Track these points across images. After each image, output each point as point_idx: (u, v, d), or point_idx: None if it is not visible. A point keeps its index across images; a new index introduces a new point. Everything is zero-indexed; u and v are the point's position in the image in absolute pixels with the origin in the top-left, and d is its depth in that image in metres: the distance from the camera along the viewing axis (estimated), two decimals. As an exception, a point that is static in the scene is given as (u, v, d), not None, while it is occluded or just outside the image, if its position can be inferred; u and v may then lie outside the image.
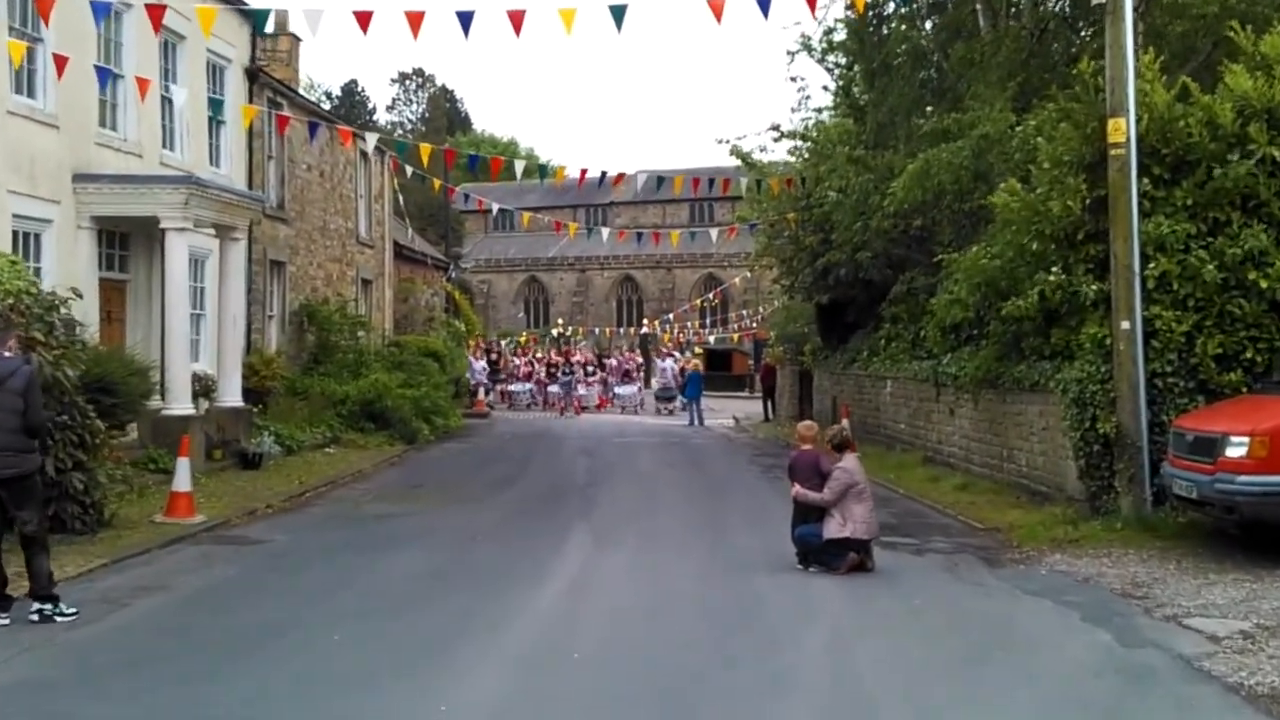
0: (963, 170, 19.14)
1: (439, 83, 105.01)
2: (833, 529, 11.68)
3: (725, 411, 42.35)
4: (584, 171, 23.24)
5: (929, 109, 23.62)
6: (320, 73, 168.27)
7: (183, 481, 14.75)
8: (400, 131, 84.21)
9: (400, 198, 36.46)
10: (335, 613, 9.97)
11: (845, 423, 24.92)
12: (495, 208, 33.59)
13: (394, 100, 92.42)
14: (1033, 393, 16.57)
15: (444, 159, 51.60)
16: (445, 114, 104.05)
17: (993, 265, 16.38)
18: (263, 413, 23.35)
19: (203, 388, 21.25)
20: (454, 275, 49.64)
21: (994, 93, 19.34)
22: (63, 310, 14.02)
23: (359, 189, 32.62)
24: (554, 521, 15.21)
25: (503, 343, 56.00)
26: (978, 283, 16.82)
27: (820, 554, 11.80)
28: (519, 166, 25.09)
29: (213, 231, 20.68)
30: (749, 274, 55.89)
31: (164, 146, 21.16)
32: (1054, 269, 14.85)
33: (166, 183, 18.85)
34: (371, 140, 23.16)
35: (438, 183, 34.00)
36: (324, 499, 17.64)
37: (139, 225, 19.56)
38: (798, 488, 11.93)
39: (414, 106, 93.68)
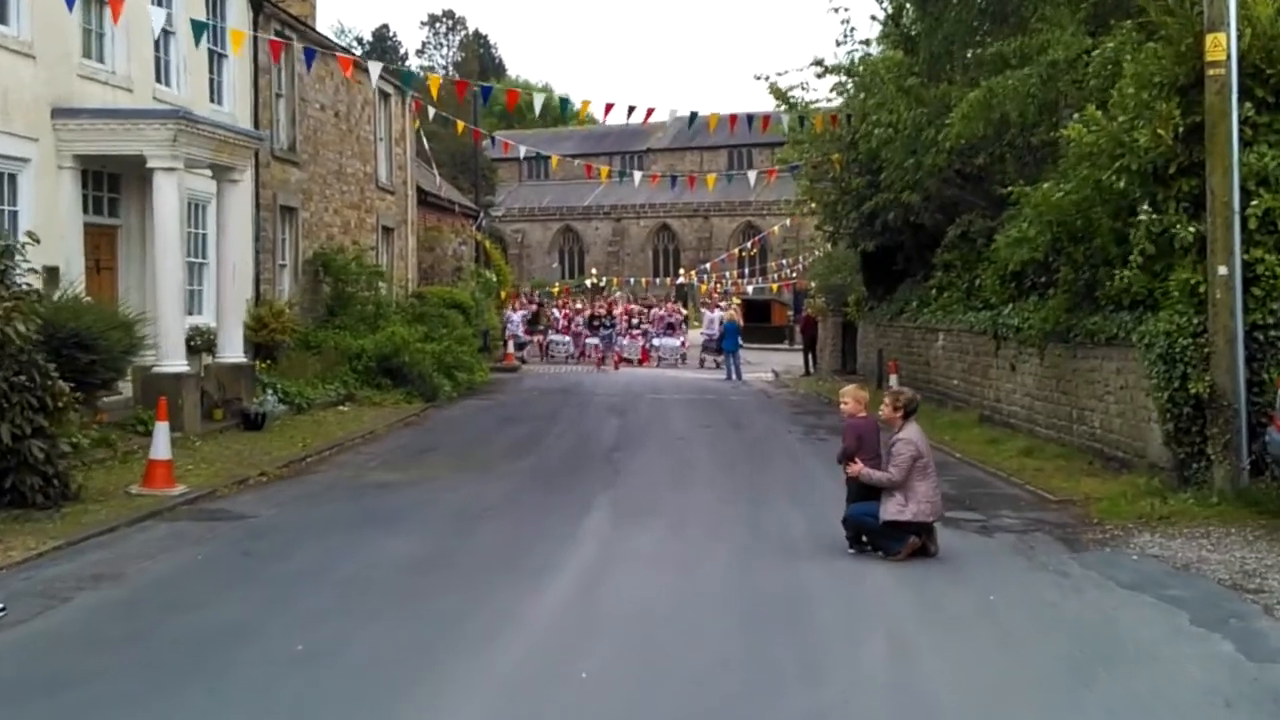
0: (1029, 100, 17.25)
1: (470, 26, 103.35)
2: (892, 510, 10.03)
3: (764, 365, 40.75)
4: (609, 106, 21.60)
5: (987, 38, 21.69)
6: (351, 17, 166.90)
7: (161, 448, 13.28)
8: (421, 69, 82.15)
9: (424, 141, 34.77)
10: (306, 612, 8.46)
11: (893, 379, 23.29)
12: (523, 150, 31.85)
13: (424, 44, 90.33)
14: (1109, 347, 14.83)
15: (471, 101, 49.80)
16: (478, 60, 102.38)
17: (1067, 201, 14.56)
18: (271, 368, 21.94)
19: (204, 342, 19.86)
20: (484, 224, 47.99)
21: (1064, 15, 17.41)
22: (19, 257, 12.52)
23: (378, 131, 31.00)
24: (573, 494, 13.63)
25: (537, 293, 54.47)
26: (1049, 221, 15.01)
27: (876, 537, 10.19)
28: (538, 100, 23.30)
29: (210, 173, 19.16)
30: (788, 222, 53.97)
31: (158, 81, 19.63)
32: (1143, 209, 13.04)
33: (153, 117, 17.29)
34: (375, 71, 21.42)
35: (461, 124, 32.41)
36: (326, 464, 16.16)
37: (129, 165, 18.03)
38: (860, 466, 10.19)
39: (445, 50, 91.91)
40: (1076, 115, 15.14)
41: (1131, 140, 13.04)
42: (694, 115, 22.98)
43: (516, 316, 41.92)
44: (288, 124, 25.50)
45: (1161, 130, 12.68)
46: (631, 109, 21.64)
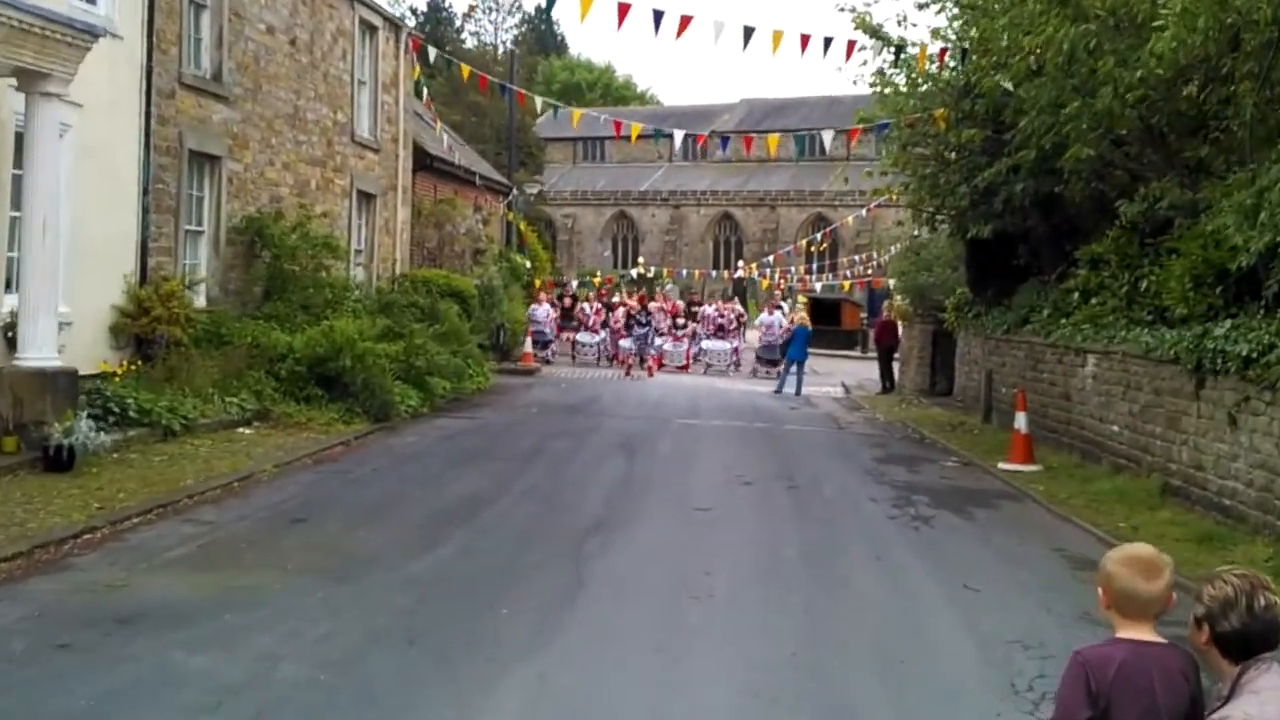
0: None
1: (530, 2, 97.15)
2: None
3: (832, 375, 34.08)
4: (625, 8, 14.98)
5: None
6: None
7: None
8: (478, 44, 76.11)
9: (425, 89, 28.38)
10: None
11: (1020, 417, 16.39)
12: (539, 103, 25.41)
13: (472, 7, 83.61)
14: None
15: (508, 64, 43.27)
16: (537, 36, 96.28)
17: None
18: (145, 371, 15.71)
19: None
20: (518, 201, 41.38)
21: None
22: None
23: (359, 71, 24.59)
24: (470, 657, 7.04)
25: (573, 283, 47.80)
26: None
27: None
28: None
29: (14, 82, 12.84)
30: (865, 213, 47.01)
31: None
32: None
33: None
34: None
35: (466, 69, 26.02)
36: (102, 548, 9.65)
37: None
38: None
39: (495, 15, 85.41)
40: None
41: None
42: (749, 32, 16.34)
43: (541, 311, 35.36)
44: (212, 45, 19.15)
45: None
46: (659, 14, 15.05)
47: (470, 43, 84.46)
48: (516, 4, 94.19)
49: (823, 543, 11.07)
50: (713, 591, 8.95)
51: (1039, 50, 14.53)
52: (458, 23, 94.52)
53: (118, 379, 15.14)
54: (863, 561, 10.34)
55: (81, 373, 14.39)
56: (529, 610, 8.16)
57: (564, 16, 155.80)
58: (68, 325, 14.73)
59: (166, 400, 15.05)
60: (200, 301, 18.44)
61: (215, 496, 12.03)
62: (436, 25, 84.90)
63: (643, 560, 10.00)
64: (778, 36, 16.28)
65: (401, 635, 7.50)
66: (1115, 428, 15.00)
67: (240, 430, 16.07)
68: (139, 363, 15.91)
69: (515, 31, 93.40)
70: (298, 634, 7.44)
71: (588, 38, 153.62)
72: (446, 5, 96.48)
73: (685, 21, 15.47)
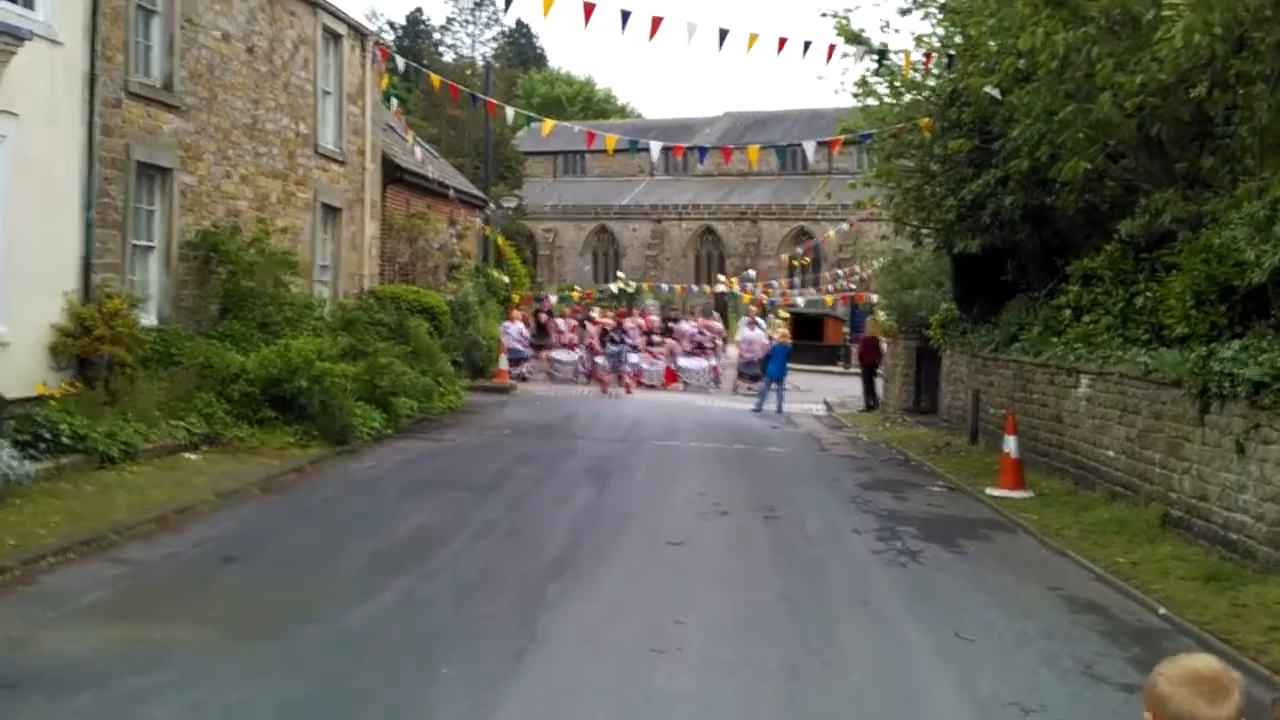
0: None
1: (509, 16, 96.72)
2: None
3: (814, 392, 33.32)
4: (590, 8, 14.14)
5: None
6: (383, 2, 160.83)
7: None
8: (456, 55, 75.38)
9: (394, 100, 27.52)
10: None
11: (1010, 441, 15.62)
12: (510, 114, 24.47)
13: (449, 20, 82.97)
14: None
15: (483, 77, 42.62)
16: (516, 49, 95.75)
17: None
18: (84, 394, 14.79)
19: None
20: (494, 215, 40.56)
21: None
22: None
23: (323, 81, 23.72)
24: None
25: (551, 299, 46.90)
26: None
27: None
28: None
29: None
30: (847, 227, 46.29)
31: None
32: None
33: None
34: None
35: (436, 79, 25.18)
36: (3, 597, 8.78)
37: None
38: None
39: (470, 28, 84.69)
40: None
41: None
42: (724, 33, 15.54)
43: (514, 328, 34.45)
44: (163, 52, 18.27)
45: None
46: (626, 13, 14.23)
47: (448, 55, 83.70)
48: (494, 17, 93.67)
49: (804, 584, 10.20)
50: (682, 645, 8.08)
51: (1032, 49, 13.69)
52: (435, 35, 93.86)
53: (54, 403, 14.22)
54: (848, 605, 9.48)
55: (19, 396, 13.61)
56: (472, 676, 7.25)
57: (541, 27, 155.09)
58: (3, 346, 13.89)
59: (106, 425, 14.12)
60: (150, 320, 17.54)
61: (146, 531, 11.13)
62: (415, 38, 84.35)
63: (607, 608, 9.09)
64: (753, 39, 15.50)
65: (324, 707, 6.62)
66: (1111, 453, 14.20)
67: (186, 456, 15.17)
68: (79, 385, 15.00)
69: (494, 45, 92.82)
70: (202, 705, 6.54)
71: (568, 51, 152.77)
72: (425, 19, 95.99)
73: (657, 23, 14.69)
